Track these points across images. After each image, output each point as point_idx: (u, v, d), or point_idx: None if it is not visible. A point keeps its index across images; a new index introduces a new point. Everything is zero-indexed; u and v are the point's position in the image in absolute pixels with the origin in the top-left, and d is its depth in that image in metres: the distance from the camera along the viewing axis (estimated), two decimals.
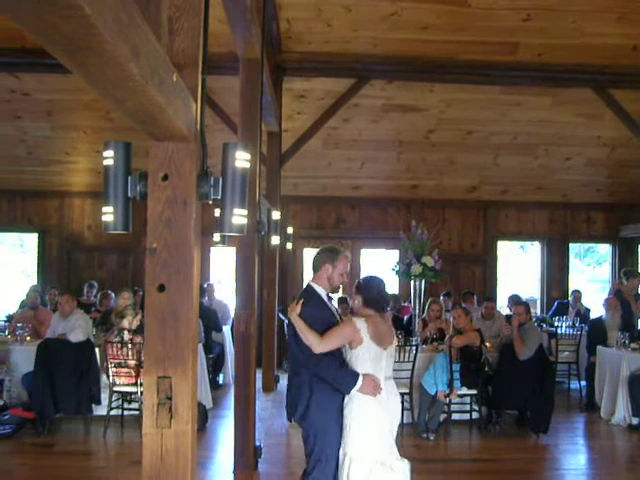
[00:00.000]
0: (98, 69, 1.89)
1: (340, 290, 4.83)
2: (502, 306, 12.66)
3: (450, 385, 7.99)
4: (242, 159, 2.94)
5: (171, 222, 2.78)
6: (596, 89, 10.35)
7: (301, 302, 4.49)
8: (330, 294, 4.68)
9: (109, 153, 2.75)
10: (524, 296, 12.33)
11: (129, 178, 2.77)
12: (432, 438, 7.92)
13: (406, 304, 11.60)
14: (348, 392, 4.37)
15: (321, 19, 9.10)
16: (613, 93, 10.38)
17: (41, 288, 11.91)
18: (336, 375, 4.39)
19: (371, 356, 4.41)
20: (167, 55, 2.53)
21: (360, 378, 4.34)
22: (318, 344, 4.32)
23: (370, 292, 4.57)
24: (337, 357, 4.43)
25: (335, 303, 4.92)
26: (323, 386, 4.42)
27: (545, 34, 9.25)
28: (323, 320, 4.43)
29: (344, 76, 10.41)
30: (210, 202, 2.92)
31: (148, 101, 2.20)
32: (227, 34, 6.31)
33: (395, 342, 4.64)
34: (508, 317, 8.51)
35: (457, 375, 8.03)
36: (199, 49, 2.91)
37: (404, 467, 4.47)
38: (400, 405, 4.66)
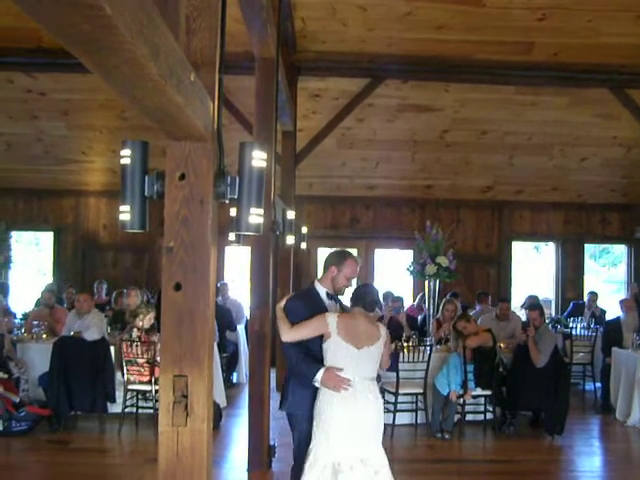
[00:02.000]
0: (117, 69, 1.90)
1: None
2: (517, 307, 12.60)
3: (464, 386, 7.97)
4: (259, 158, 2.94)
5: (188, 221, 2.79)
6: (613, 89, 10.28)
7: (288, 297, 4.83)
8: (334, 295, 4.81)
9: (126, 152, 2.76)
10: (539, 297, 12.26)
11: (146, 177, 2.78)
12: (447, 437, 7.91)
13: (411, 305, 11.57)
14: (308, 381, 4.50)
15: (336, 18, 9.09)
16: (630, 93, 10.30)
17: (57, 286, 11.98)
18: (297, 364, 4.58)
19: (340, 352, 4.46)
20: (185, 54, 2.53)
21: (321, 370, 4.45)
22: (286, 332, 4.53)
23: (353, 291, 4.78)
24: (305, 348, 4.55)
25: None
26: (296, 376, 4.68)
27: (561, 33, 9.19)
28: (305, 315, 4.56)
29: (359, 76, 10.40)
30: (227, 201, 2.92)
31: (167, 101, 2.21)
32: (243, 34, 6.32)
33: (378, 345, 4.56)
34: (525, 324, 8.46)
35: (471, 376, 8.02)
36: (216, 48, 2.91)
37: (367, 471, 4.40)
38: (377, 409, 4.55)
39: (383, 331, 4.67)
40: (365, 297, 4.68)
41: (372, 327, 4.62)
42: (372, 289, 4.85)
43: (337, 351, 4.47)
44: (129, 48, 1.71)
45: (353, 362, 4.46)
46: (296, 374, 4.66)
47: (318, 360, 4.54)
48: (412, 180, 12.74)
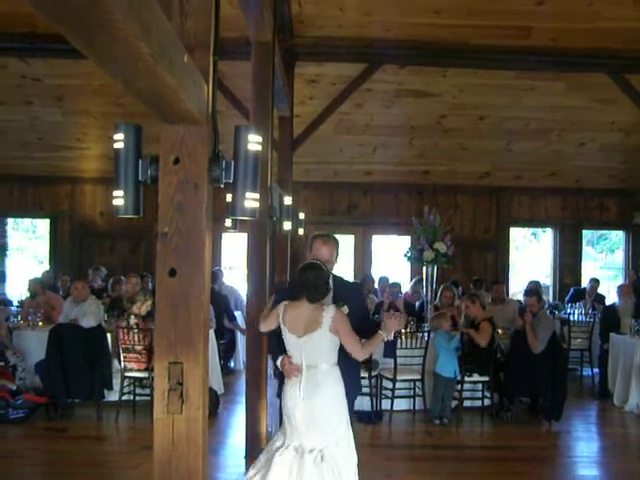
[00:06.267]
0: (107, 48, 1.85)
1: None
2: (514, 292, 12.59)
3: (461, 369, 8.00)
4: (254, 142, 2.90)
5: (182, 206, 2.75)
6: (611, 74, 10.21)
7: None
8: None
9: (120, 136, 2.71)
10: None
11: (140, 162, 2.73)
12: (445, 422, 7.90)
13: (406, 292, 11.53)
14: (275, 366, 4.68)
15: (333, 3, 9.01)
16: (629, 78, 10.23)
17: (53, 274, 11.95)
18: (270, 349, 4.91)
19: (287, 341, 4.48)
20: (178, 36, 2.48)
21: (280, 357, 4.52)
22: (260, 323, 4.75)
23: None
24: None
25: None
26: None
27: (559, 18, 9.11)
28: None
29: (356, 61, 10.31)
30: (222, 186, 2.88)
31: (158, 82, 2.16)
32: (239, 18, 6.25)
33: (322, 332, 4.34)
34: (522, 310, 8.47)
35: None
36: (211, 30, 2.85)
37: (309, 459, 4.32)
38: (324, 398, 4.39)
39: (327, 317, 4.35)
40: (302, 282, 4.43)
41: (315, 314, 4.38)
42: (307, 274, 4.42)
43: (286, 340, 4.49)
44: (118, 26, 1.66)
45: (297, 350, 4.43)
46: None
47: None
48: (410, 166, 12.70)
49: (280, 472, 4.32)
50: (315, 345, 4.39)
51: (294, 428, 4.42)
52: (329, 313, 4.37)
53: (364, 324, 4.67)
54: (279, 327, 4.53)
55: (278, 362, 4.54)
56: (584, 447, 7.61)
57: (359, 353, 4.46)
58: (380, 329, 4.48)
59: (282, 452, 4.40)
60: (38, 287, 9.73)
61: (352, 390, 4.69)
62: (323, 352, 4.42)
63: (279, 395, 4.73)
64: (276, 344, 4.63)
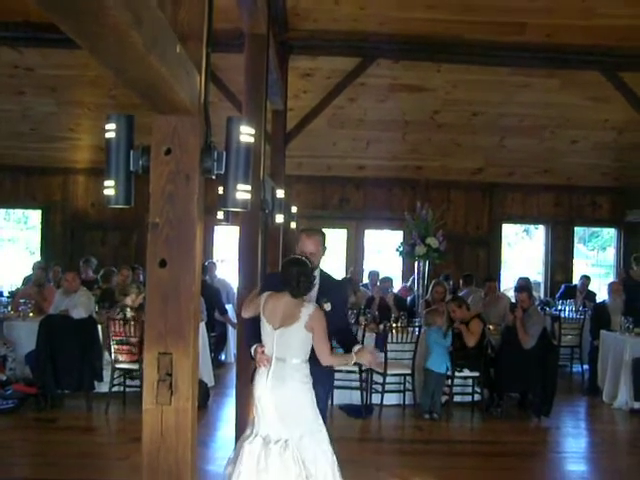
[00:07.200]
0: (99, 37, 1.84)
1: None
2: (506, 289, 12.62)
3: (452, 365, 8.01)
4: (246, 133, 2.90)
5: (174, 197, 2.74)
6: (605, 71, 10.22)
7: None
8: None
9: (111, 126, 2.71)
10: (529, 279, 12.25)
11: (131, 152, 2.73)
12: (435, 417, 7.92)
13: (403, 285, 11.57)
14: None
15: None
16: (623, 76, 10.24)
17: (45, 265, 11.90)
18: (246, 333, 4.87)
19: (263, 330, 4.48)
20: (171, 26, 2.47)
21: (254, 345, 4.53)
22: (243, 308, 4.74)
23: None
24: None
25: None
26: None
27: (554, 14, 9.09)
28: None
29: (350, 55, 10.27)
30: (213, 177, 2.87)
31: (151, 72, 2.15)
32: (232, 9, 6.22)
33: (297, 327, 4.31)
34: (513, 305, 8.49)
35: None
36: (204, 21, 2.84)
37: (267, 450, 4.32)
38: (288, 393, 4.37)
39: (305, 313, 4.33)
40: (285, 277, 4.41)
41: (294, 308, 4.37)
42: (290, 269, 4.41)
43: (263, 329, 4.48)
44: (110, 13, 1.65)
45: (270, 341, 4.42)
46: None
47: None
48: (402, 161, 12.70)
49: (249, 461, 4.33)
50: (288, 339, 4.37)
51: (260, 416, 4.43)
52: (308, 310, 4.35)
53: (340, 323, 4.72)
54: (259, 315, 4.53)
55: (252, 349, 4.55)
56: (573, 443, 7.65)
57: (326, 357, 4.39)
58: (356, 347, 4.54)
59: (251, 441, 4.40)
60: (42, 277, 9.74)
61: (322, 385, 4.60)
62: (294, 347, 4.40)
63: (252, 380, 4.73)
64: (252, 330, 4.63)
